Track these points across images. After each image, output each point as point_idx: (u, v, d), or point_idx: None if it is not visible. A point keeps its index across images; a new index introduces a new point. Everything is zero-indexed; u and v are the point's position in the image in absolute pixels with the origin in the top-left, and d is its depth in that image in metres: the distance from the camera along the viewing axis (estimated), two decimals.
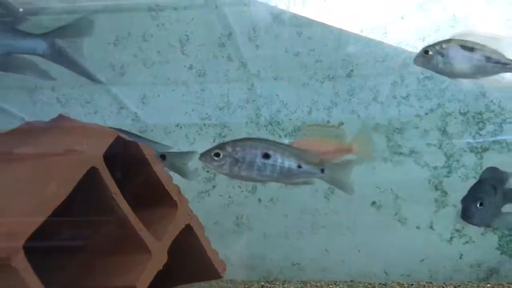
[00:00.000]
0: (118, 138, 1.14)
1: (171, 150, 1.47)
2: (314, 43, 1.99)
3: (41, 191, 0.97)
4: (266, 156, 1.14)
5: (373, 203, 1.97)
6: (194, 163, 1.48)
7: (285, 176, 1.15)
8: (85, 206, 1.10)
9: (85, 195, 1.08)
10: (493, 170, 1.39)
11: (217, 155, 1.14)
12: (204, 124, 2.04)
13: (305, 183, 1.18)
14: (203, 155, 1.16)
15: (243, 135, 2.03)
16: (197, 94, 2.03)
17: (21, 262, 0.88)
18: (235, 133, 2.04)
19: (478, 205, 1.27)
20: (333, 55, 1.99)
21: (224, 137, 2.06)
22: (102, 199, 1.09)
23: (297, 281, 1.93)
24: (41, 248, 0.97)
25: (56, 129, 1.16)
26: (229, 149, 1.14)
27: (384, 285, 1.74)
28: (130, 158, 1.18)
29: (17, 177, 1.00)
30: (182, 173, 1.39)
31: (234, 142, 1.19)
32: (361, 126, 1.46)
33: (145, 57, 2.04)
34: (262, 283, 1.81)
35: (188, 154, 1.44)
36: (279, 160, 1.14)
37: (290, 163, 1.14)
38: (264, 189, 2.02)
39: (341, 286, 1.73)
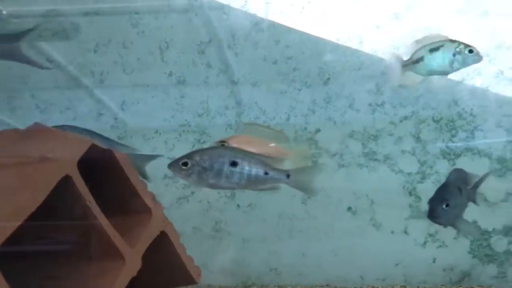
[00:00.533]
0: (93, 146, 1.16)
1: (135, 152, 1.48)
2: (292, 51, 2.03)
3: (15, 199, 0.98)
4: (234, 164, 1.17)
5: (349, 208, 2.00)
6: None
7: (253, 183, 1.18)
8: (59, 213, 1.11)
9: (59, 202, 1.09)
10: (458, 172, 1.44)
11: (185, 164, 1.16)
12: (184, 131, 2.06)
13: (272, 188, 1.22)
14: (172, 165, 1.18)
15: None
16: (176, 101, 2.06)
17: None
18: (214, 139, 2.05)
19: (444, 206, 1.32)
20: (310, 63, 2.03)
21: (203, 143, 2.08)
22: (76, 206, 1.10)
23: (275, 285, 1.95)
24: (14, 254, 0.99)
25: (31, 137, 1.18)
26: (197, 158, 1.17)
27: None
28: (105, 165, 1.19)
29: None
30: (144, 174, 1.40)
31: (202, 151, 1.21)
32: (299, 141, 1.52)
33: (125, 64, 2.05)
34: (242, 287, 1.83)
35: (151, 157, 1.46)
36: (246, 168, 1.17)
37: (257, 170, 1.18)
38: (242, 195, 2.05)
39: None
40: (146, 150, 2.03)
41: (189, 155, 1.19)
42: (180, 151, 2.02)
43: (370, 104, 2.02)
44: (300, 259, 2.01)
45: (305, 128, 2.02)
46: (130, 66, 2.06)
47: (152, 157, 1.47)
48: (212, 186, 1.19)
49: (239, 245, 2.03)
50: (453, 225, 1.37)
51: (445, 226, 1.38)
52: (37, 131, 1.21)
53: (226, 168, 1.16)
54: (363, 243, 1.99)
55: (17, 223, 0.94)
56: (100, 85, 2.07)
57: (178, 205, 2.02)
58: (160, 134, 2.06)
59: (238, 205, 2.04)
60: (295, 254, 2.01)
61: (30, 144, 1.16)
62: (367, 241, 1.98)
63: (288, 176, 1.21)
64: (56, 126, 1.31)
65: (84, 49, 2.04)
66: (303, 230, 2.02)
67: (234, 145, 1.36)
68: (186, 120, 2.06)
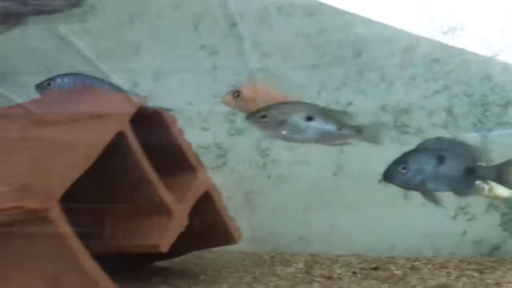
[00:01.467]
0: (142, 106, 1.19)
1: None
2: (324, 24, 2.03)
3: (72, 153, 1.03)
4: (309, 119, 1.21)
5: (381, 180, 2.02)
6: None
7: (326, 138, 1.23)
8: (111, 170, 1.15)
9: (112, 159, 1.13)
10: (442, 140, 1.44)
11: (264, 116, 1.20)
12: (216, 102, 2.09)
13: (343, 143, 1.26)
14: (250, 117, 1.22)
15: None
16: (209, 73, 2.08)
17: (57, 215, 0.94)
18: None
19: (401, 169, 1.35)
20: (342, 37, 2.03)
21: (235, 115, 2.11)
22: (128, 162, 1.14)
23: (306, 254, 1.99)
24: (70, 208, 1.03)
25: (78, 97, 1.22)
26: (275, 111, 1.21)
27: (391, 258, 1.80)
28: (153, 124, 1.23)
29: (51, 139, 1.06)
30: None
31: (280, 105, 1.25)
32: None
33: (159, 36, 2.08)
34: (273, 255, 1.87)
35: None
36: (321, 123, 1.21)
37: (331, 126, 1.22)
38: (273, 166, 2.08)
39: (349, 258, 1.80)
40: (179, 121, 2.08)
41: (267, 108, 1.23)
42: (213, 122, 2.09)
43: (402, 78, 2.02)
44: (330, 229, 2.04)
45: (338, 101, 2.03)
46: (164, 39, 2.08)
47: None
48: (286, 139, 1.23)
49: (269, 215, 2.07)
50: (417, 190, 1.40)
51: (402, 187, 1.40)
52: (83, 91, 1.25)
53: (302, 122, 1.21)
54: (393, 214, 2.00)
55: (77, 175, 0.98)
56: (134, 57, 2.11)
57: (211, 175, 2.06)
58: (193, 105, 2.09)
59: (269, 176, 2.07)
60: (325, 224, 2.04)
61: (80, 103, 1.20)
62: (397, 213, 2.00)
63: (359, 132, 1.25)
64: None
65: (119, 21, 2.08)
66: (333, 201, 2.04)
67: (245, 93, 1.40)
68: (218, 91, 2.08)
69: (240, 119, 2.15)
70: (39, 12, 1.23)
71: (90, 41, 2.08)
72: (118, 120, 1.11)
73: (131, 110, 1.14)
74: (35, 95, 1.96)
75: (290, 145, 2.12)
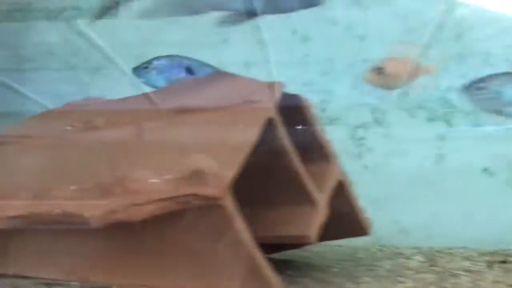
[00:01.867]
0: (283, 91, 1.14)
1: None
2: (421, 5, 1.94)
3: (231, 139, 0.98)
4: None
5: (485, 169, 1.92)
6: None
7: None
8: (257, 157, 1.10)
9: (259, 146, 1.07)
10: None
11: (480, 88, 1.13)
12: (308, 90, 2.02)
13: None
14: (468, 87, 1.15)
15: (347, 101, 2.01)
16: (300, 59, 2.02)
17: (229, 202, 0.88)
18: (338, 99, 2.02)
19: None
20: (441, 18, 1.93)
21: (327, 102, 2.04)
22: (274, 149, 1.09)
23: (407, 247, 1.90)
24: None
25: (218, 83, 1.17)
26: (492, 83, 1.13)
27: (506, 251, 1.70)
28: (293, 111, 1.17)
29: (206, 128, 1.01)
30: None
31: (496, 76, 1.18)
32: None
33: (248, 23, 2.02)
34: (378, 247, 1.80)
35: None
36: None
37: None
38: (370, 156, 2.00)
39: (460, 251, 1.71)
40: None
41: (482, 80, 1.16)
42: None
43: (507, 60, 1.91)
44: (433, 221, 1.95)
45: (437, 86, 1.94)
46: (254, 25, 2.02)
47: None
48: (502, 114, 1.16)
49: (366, 206, 1.98)
50: None
51: None
52: (219, 78, 1.20)
53: None
54: (500, 204, 1.90)
55: (242, 159, 0.93)
56: (224, 44, 2.06)
57: None
58: None
59: (366, 166, 1.99)
60: (426, 216, 1.95)
61: (222, 89, 1.15)
62: (504, 203, 1.90)
63: None
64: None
65: None
66: (435, 192, 1.95)
67: (389, 68, 1.31)
68: (310, 79, 2.02)
69: (332, 107, 2.09)
70: (276, 10, 1.20)
71: (178, 30, 2.04)
72: (266, 106, 1.05)
73: (277, 95, 1.08)
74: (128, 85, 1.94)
75: (387, 133, 2.05)
